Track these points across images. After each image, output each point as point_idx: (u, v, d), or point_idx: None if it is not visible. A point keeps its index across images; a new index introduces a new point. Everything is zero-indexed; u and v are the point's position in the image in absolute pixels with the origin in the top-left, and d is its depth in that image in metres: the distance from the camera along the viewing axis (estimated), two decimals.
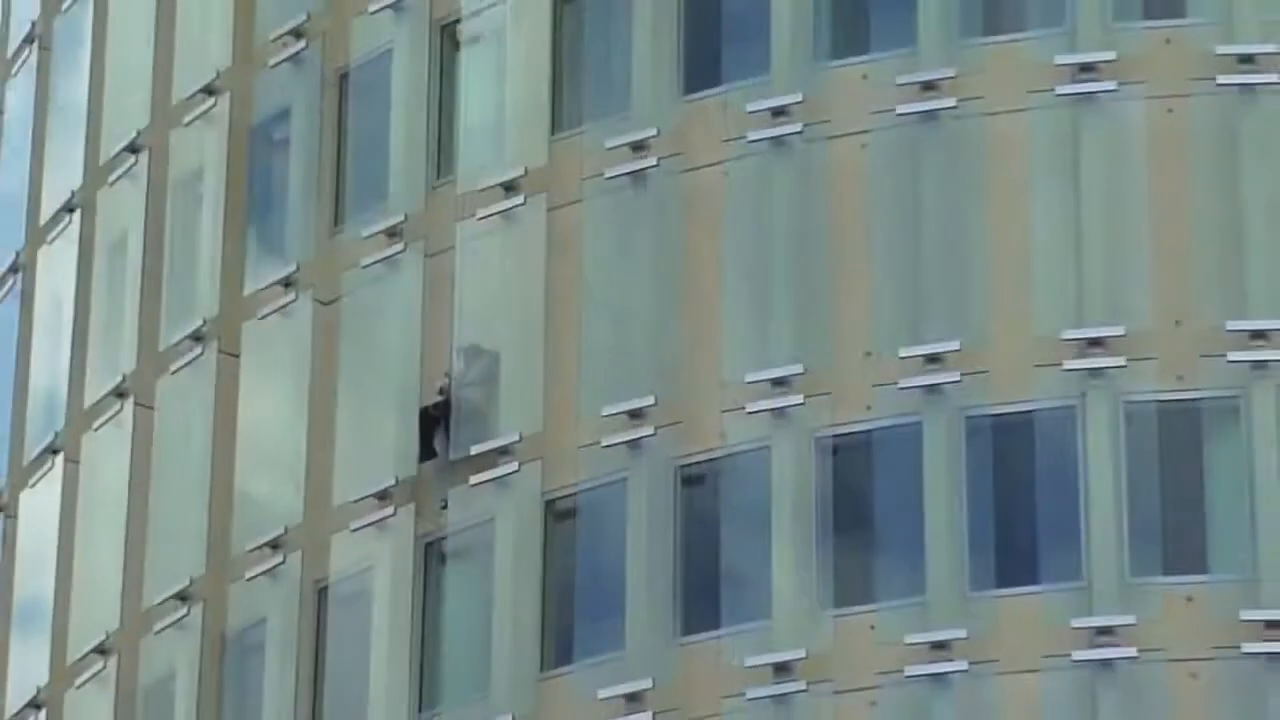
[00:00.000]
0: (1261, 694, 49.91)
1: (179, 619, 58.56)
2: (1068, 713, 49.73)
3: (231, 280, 61.56)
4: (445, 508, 54.77)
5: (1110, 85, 53.72)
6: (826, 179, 54.41)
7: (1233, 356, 50.82)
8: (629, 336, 55.16)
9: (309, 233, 60.42)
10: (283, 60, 62.23)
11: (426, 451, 54.42)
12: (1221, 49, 53.72)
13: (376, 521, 54.80)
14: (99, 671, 60.85)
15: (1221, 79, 53.38)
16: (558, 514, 53.27)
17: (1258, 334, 51.09)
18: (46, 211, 69.28)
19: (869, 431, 52.14)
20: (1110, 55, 53.98)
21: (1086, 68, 54.08)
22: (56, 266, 68.66)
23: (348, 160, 61.01)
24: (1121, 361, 50.81)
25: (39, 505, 66.06)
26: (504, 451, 53.16)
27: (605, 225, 56.08)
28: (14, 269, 69.67)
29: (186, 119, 64.36)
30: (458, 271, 56.68)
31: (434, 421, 54.62)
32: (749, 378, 52.03)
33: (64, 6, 71.34)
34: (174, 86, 65.09)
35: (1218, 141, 53.90)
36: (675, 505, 52.05)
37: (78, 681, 61.63)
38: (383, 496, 54.49)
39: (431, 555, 54.76)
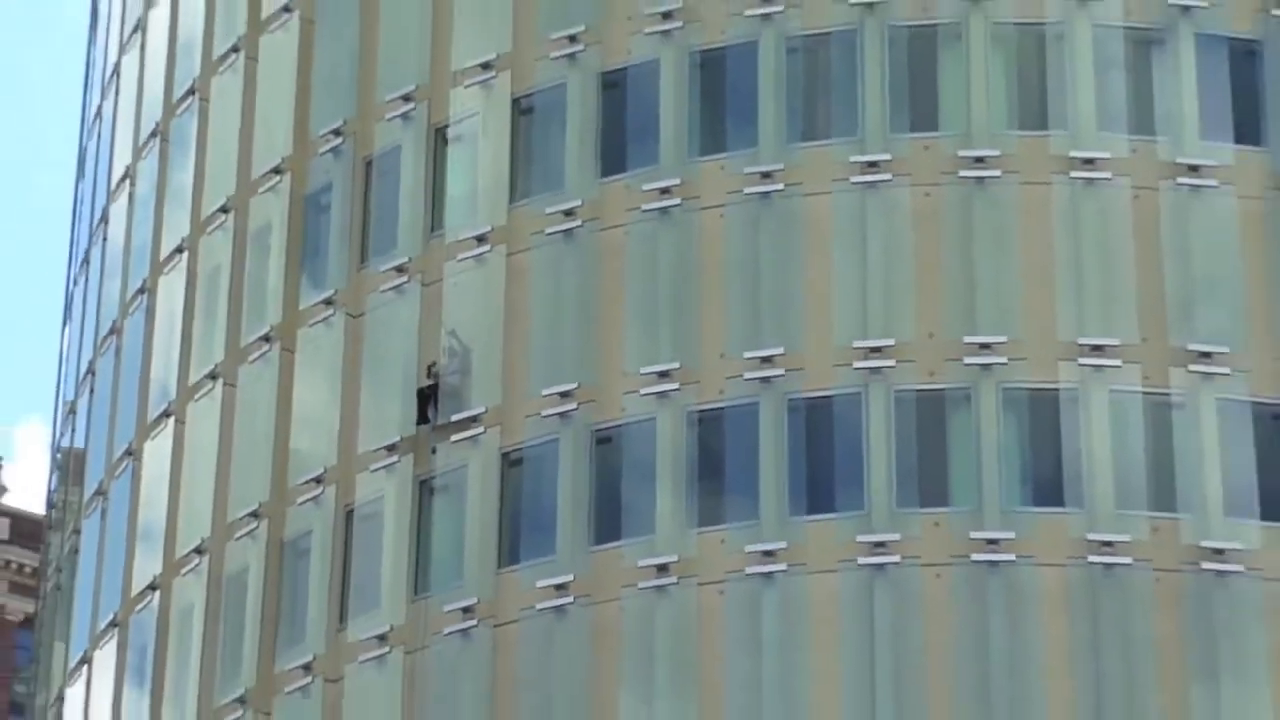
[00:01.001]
0: (982, 591, 51.80)
1: (251, 530, 59.92)
2: (855, 600, 51.83)
3: (290, 300, 61.95)
4: (434, 454, 56.83)
5: (887, 177, 55.71)
6: (697, 239, 56.22)
7: (967, 361, 53.30)
8: (561, 342, 56.87)
9: (343, 268, 61.29)
10: (327, 150, 62.75)
11: (421, 418, 55.96)
12: (963, 153, 55.74)
13: (386, 465, 56.72)
14: (195, 566, 61.81)
15: (962, 173, 55.31)
16: (510, 462, 55.01)
17: (984, 346, 53.32)
18: (164, 251, 67.98)
19: (722, 409, 54.22)
20: (887, 156, 55.86)
21: (872, 164, 55.76)
22: (171, 290, 67.25)
23: (371, 219, 61.88)
24: (892, 363, 53.43)
25: (157, 452, 65.45)
26: (474, 420, 55.30)
27: (546, 267, 57.47)
28: (141, 290, 67.77)
29: (262, 189, 64.23)
30: (445, 297, 58.04)
31: (427, 398, 56.15)
32: (642, 371, 54.49)
33: (178, 111, 70.19)
34: (253, 166, 64.90)
35: (960, 216, 55.54)
36: (590, 458, 54.36)
37: (181, 572, 62.35)
38: (391, 449, 56.37)
39: (424, 489, 56.29)
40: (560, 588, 52.27)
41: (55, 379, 77.77)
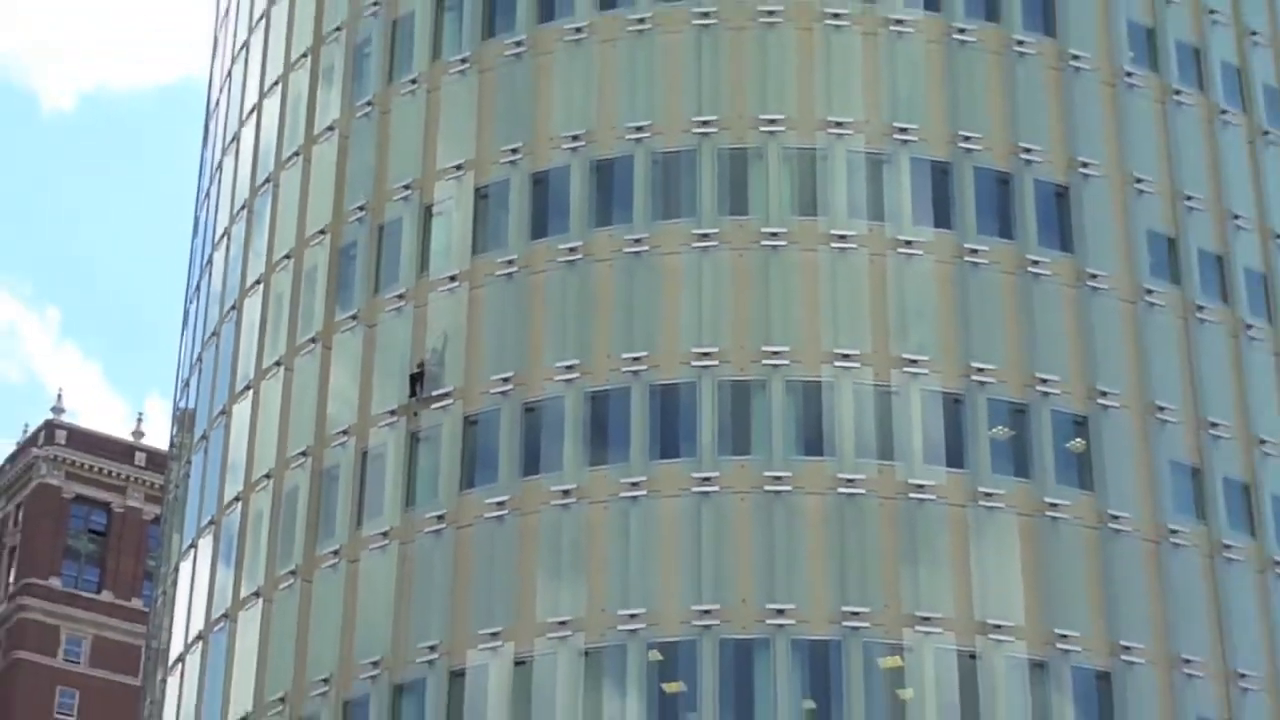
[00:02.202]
0: (770, 511, 54.44)
1: (301, 464, 60.58)
2: (690, 516, 54.16)
3: (329, 316, 62.28)
4: (418, 417, 57.72)
5: (715, 243, 57.88)
6: (594, 281, 58.44)
7: (764, 362, 55.59)
8: (504, 346, 57.89)
9: (363, 295, 62.00)
10: (354, 220, 63.40)
11: (412, 394, 57.47)
12: (763, 229, 57.98)
13: (389, 424, 58.19)
14: (264, 486, 62.41)
15: (763, 242, 57.96)
16: (469, 423, 56.43)
17: (775, 352, 55.61)
18: (248, 283, 68.39)
19: (608, 391, 56.19)
20: (716, 230, 57.79)
21: (705, 235, 57.19)
22: (252, 309, 66.93)
23: (381, 264, 62.57)
24: (717, 363, 55.94)
25: (241, 413, 65.53)
26: (445, 395, 56.84)
27: (495, 298, 58.22)
28: (233, 308, 67.93)
29: (311, 244, 64.82)
30: (429, 315, 59.09)
31: (416, 381, 57.43)
32: (555, 365, 55.87)
33: (259, 193, 70.46)
34: (306, 228, 65.32)
35: (761, 270, 57.64)
36: (521, 421, 55.87)
37: (255, 490, 62.68)
38: (392, 413, 57.88)
39: (413, 440, 57.57)
40: (500, 504, 54.40)
41: (175, 366, 77.22)
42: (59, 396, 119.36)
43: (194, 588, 64.58)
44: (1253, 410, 61.94)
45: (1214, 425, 60.94)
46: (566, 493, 53.63)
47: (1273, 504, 60.19)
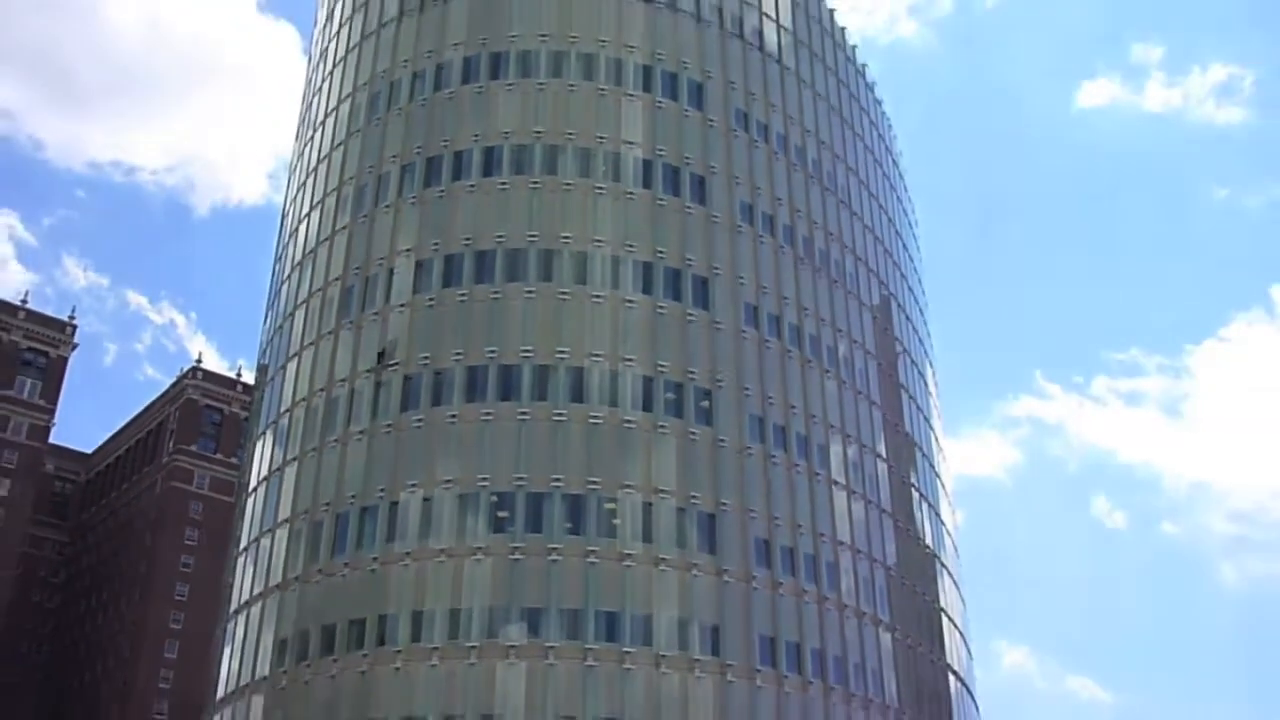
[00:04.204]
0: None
1: (320, 396, 64.53)
2: (515, 433, 58.64)
3: (339, 321, 65.89)
4: (382, 374, 62.30)
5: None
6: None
7: (559, 358, 60.33)
8: (426, 342, 62.32)
9: (356, 313, 65.75)
10: (353, 277, 66.57)
11: (378, 363, 62.46)
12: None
13: (366, 376, 62.80)
14: (300, 407, 65.99)
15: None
16: (406, 380, 61.75)
17: (563, 352, 59.87)
18: (299, 300, 71.07)
19: (486, 366, 60.57)
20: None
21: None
22: (300, 315, 69.68)
23: (365, 300, 66.56)
24: (532, 353, 60.09)
25: (289, 370, 68.19)
26: (394, 364, 62.17)
27: (419, 320, 63.76)
28: (289, 315, 70.02)
29: (330, 287, 67.59)
30: (389, 326, 64.00)
31: (380, 357, 62.62)
32: (452, 352, 61.12)
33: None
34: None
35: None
36: (434, 382, 61.12)
37: (295, 407, 66.23)
38: (369, 371, 62.64)
39: (378, 386, 62.18)
40: (419, 420, 60.34)
41: (258, 343, 76.23)
42: (199, 357, 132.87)
43: (261, 456, 67.83)
44: None
45: None
46: (453, 416, 59.87)
47: None
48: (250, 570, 62.80)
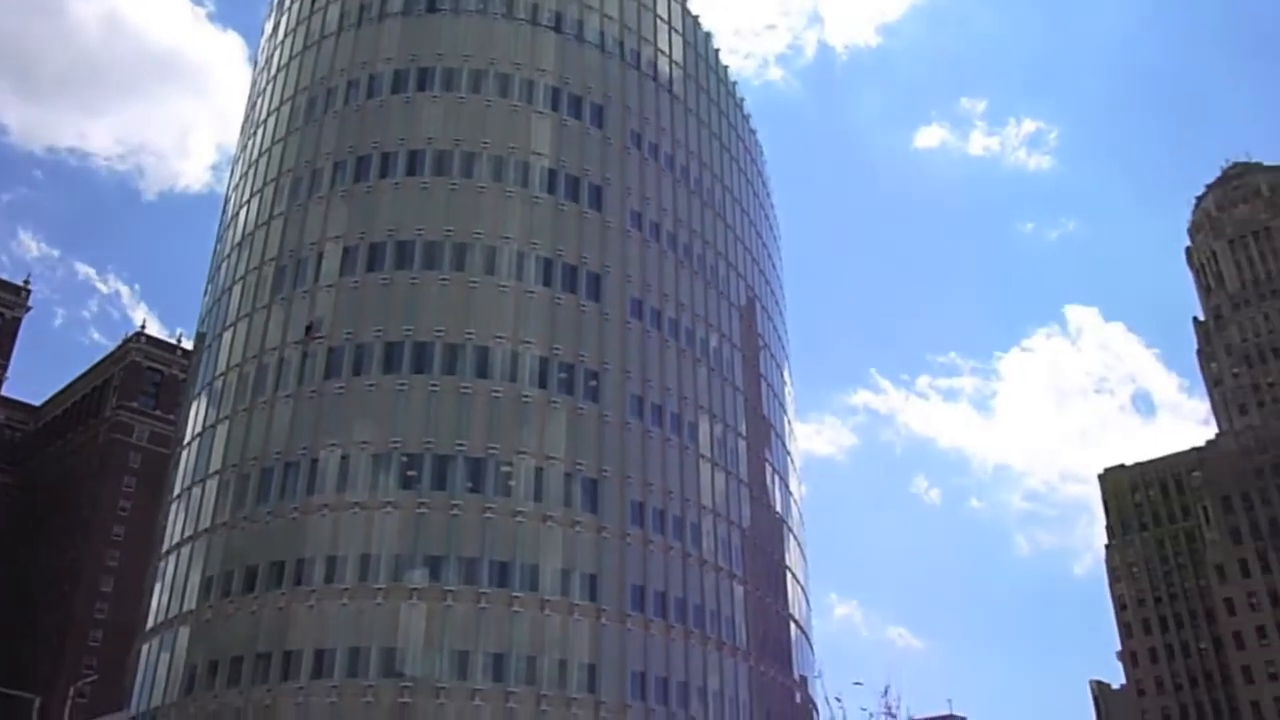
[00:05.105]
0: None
1: (252, 363, 62.23)
2: (425, 400, 57.34)
3: (273, 297, 63.30)
4: (310, 342, 60.52)
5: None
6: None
7: (466, 338, 58.46)
8: (339, 317, 60.34)
9: (289, 290, 63.69)
10: (286, 259, 64.56)
11: (306, 335, 60.83)
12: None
13: (293, 346, 61.07)
14: (233, 371, 63.50)
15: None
16: (330, 350, 59.89)
17: (470, 333, 58.38)
18: (236, 278, 68.11)
19: (401, 343, 59.04)
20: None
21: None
22: (236, 289, 67.89)
23: (297, 278, 64.66)
24: (442, 330, 60.49)
25: (225, 338, 66.15)
26: (320, 336, 60.54)
27: (344, 300, 61.75)
28: (226, 290, 67.34)
29: (266, 267, 65.67)
30: (317, 304, 62.05)
31: (308, 330, 60.87)
32: (372, 329, 59.54)
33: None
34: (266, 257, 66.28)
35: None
36: (353, 351, 59.47)
37: (230, 371, 63.47)
38: (297, 343, 60.68)
39: (304, 355, 60.39)
40: (341, 387, 58.65)
41: (198, 312, 73.27)
42: (143, 323, 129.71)
43: (196, 414, 65.81)
44: None
45: None
46: (371, 385, 58.68)
47: None
48: (182, 515, 61.23)
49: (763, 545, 70.63)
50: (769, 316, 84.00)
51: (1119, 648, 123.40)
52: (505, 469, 56.71)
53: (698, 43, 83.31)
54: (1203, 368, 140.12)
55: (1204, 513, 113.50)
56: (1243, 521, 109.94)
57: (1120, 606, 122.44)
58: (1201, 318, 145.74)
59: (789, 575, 74.13)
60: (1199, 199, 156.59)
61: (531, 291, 62.88)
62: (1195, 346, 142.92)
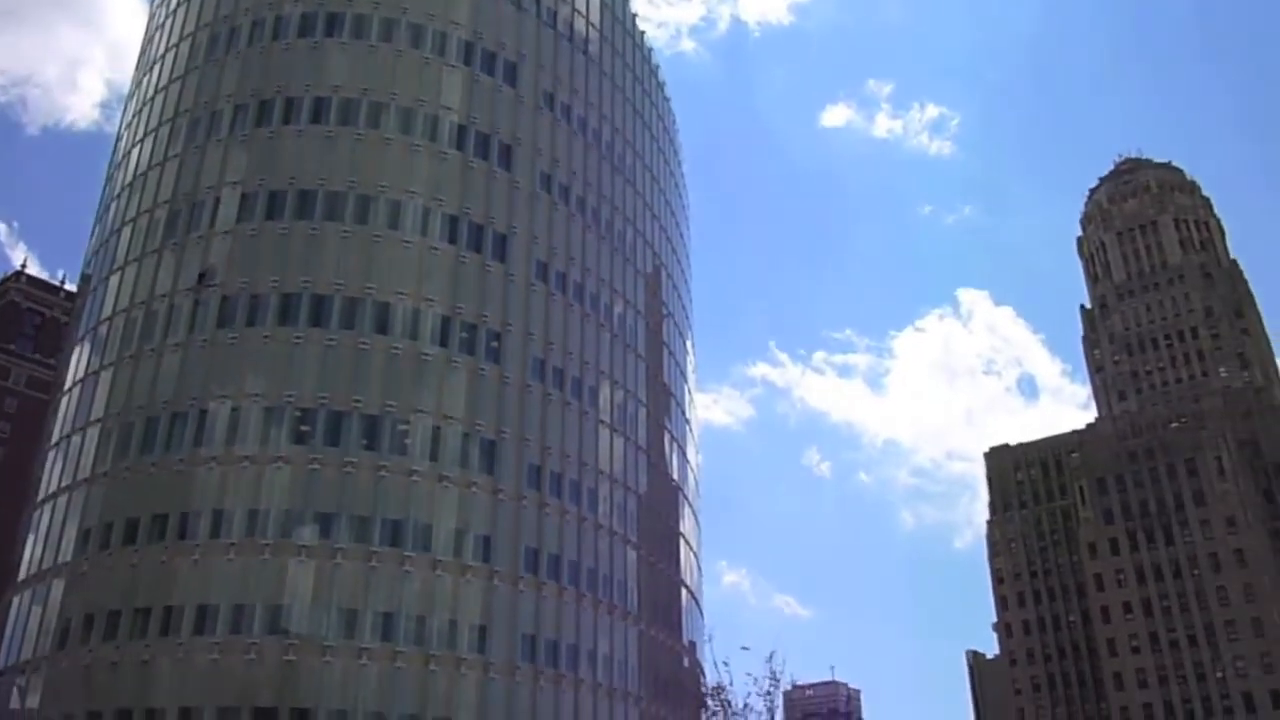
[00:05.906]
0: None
1: (141, 309, 60.62)
2: (322, 354, 56.50)
3: (165, 241, 61.97)
4: (202, 290, 59.37)
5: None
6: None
7: (367, 294, 57.51)
8: (241, 264, 58.76)
9: (181, 236, 62.02)
10: (183, 197, 63.76)
11: (199, 282, 59.57)
12: None
13: (186, 294, 59.54)
14: (120, 317, 61.72)
15: None
16: (224, 300, 58.74)
17: (371, 288, 58.15)
18: (127, 218, 67.56)
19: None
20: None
21: None
22: (127, 230, 66.22)
23: (191, 224, 62.82)
24: (341, 284, 58.63)
25: (113, 281, 64.39)
26: (213, 284, 59.19)
27: (240, 248, 60.09)
28: (115, 231, 67.22)
29: (159, 210, 63.89)
30: (211, 251, 60.45)
31: (202, 277, 59.67)
32: (270, 277, 57.97)
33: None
34: (158, 200, 66.57)
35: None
36: (248, 302, 57.89)
37: (116, 316, 61.72)
38: (190, 290, 59.27)
39: (197, 303, 59.21)
40: (234, 337, 57.31)
41: (83, 252, 70.62)
42: (24, 263, 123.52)
43: (79, 359, 63.79)
44: None
45: None
46: (266, 337, 57.55)
47: None
48: (60, 464, 59.32)
49: (658, 512, 71.07)
50: (674, 285, 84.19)
51: (995, 619, 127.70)
52: (402, 427, 55.98)
53: (615, 5, 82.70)
54: (1086, 354, 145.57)
55: (1080, 492, 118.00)
56: (1115, 503, 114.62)
57: (998, 580, 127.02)
58: (1088, 306, 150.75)
59: (682, 542, 74.64)
60: (1091, 191, 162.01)
61: (436, 248, 62.07)
62: (1080, 333, 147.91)
